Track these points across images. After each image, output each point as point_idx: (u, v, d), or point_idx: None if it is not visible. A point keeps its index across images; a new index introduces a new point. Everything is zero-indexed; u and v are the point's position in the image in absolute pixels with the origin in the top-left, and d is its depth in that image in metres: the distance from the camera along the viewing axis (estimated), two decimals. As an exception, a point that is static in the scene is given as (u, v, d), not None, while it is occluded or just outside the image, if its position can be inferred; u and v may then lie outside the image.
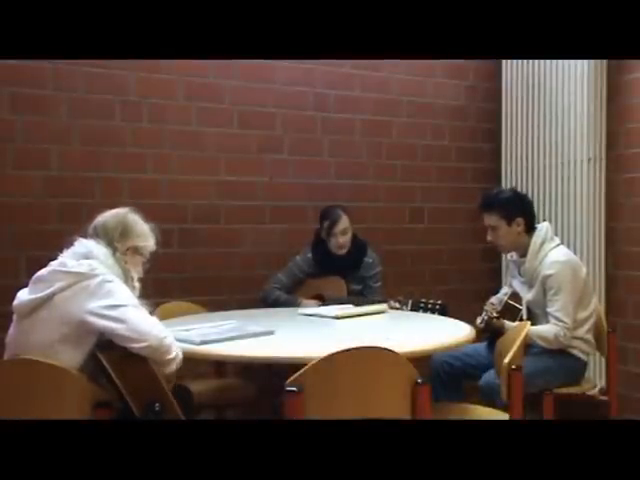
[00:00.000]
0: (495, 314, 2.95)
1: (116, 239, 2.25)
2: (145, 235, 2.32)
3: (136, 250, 2.29)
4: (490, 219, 3.06)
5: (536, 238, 3.02)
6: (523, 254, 3.07)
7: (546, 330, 2.91)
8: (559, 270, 2.92)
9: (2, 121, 3.34)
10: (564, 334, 2.89)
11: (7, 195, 3.35)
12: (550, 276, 2.92)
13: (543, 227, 3.07)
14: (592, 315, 3.04)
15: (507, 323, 2.95)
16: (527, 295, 3.06)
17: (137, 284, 2.28)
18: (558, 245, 3.04)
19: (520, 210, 3.05)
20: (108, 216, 2.31)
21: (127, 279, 2.23)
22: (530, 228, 3.06)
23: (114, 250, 2.23)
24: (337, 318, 2.96)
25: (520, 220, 3.03)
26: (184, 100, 3.72)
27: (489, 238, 3.11)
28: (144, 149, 3.64)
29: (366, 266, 3.59)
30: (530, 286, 3.05)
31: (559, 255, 2.98)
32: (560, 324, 2.89)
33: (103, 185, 3.54)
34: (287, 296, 3.53)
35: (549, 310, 2.93)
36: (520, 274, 3.12)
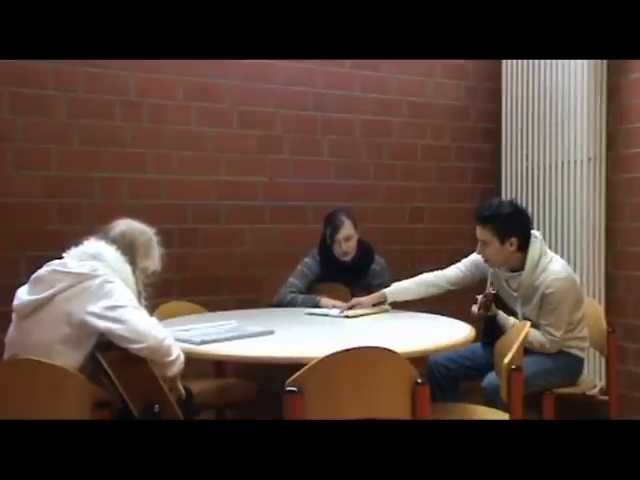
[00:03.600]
0: (492, 292, 2.96)
1: (139, 256, 2.27)
2: (158, 260, 2.35)
3: (145, 271, 2.31)
4: (483, 234, 2.94)
5: (532, 253, 2.92)
6: (514, 269, 2.98)
7: (533, 335, 2.86)
8: (560, 287, 2.87)
9: (2, 121, 3.34)
10: (550, 346, 2.89)
11: (7, 195, 3.35)
12: (552, 294, 2.86)
13: (537, 240, 2.96)
14: (585, 313, 3.03)
15: (501, 313, 2.96)
16: (524, 310, 3.00)
17: (143, 301, 2.29)
18: (552, 258, 2.96)
19: (516, 230, 2.91)
20: (138, 231, 2.31)
21: (140, 297, 2.24)
22: (523, 246, 2.94)
23: (134, 265, 2.24)
24: (348, 318, 3.00)
25: (514, 240, 2.90)
26: (184, 100, 3.72)
27: (477, 252, 3.01)
28: (144, 149, 3.64)
29: (373, 274, 3.49)
30: (525, 300, 2.98)
31: (558, 271, 2.90)
32: (548, 337, 2.88)
33: (103, 185, 3.54)
34: (303, 296, 3.39)
35: (542, 322, 2.90)
36: (510, 287, 3.03)
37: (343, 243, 3.40)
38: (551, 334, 2.88)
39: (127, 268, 2.21)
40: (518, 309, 3.02)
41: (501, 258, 2.95)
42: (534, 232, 3.00)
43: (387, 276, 3.53)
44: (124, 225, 2.30)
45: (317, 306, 3.27)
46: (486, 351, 2.98)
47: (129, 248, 2.24)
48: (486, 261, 3.02)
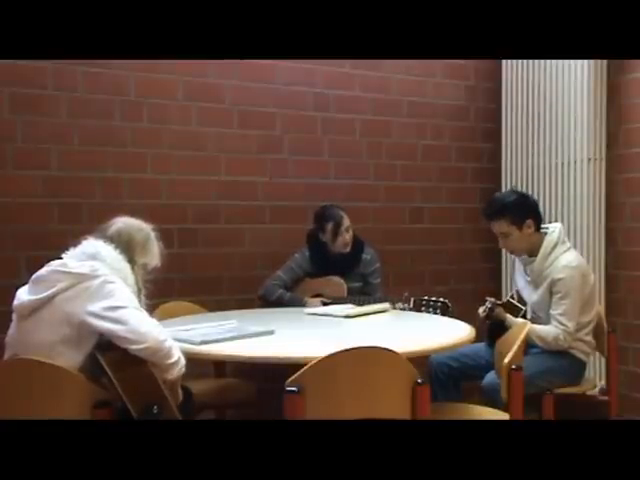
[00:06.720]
0: (498, 302, 3.00)
1: (138, 253, 2.27)
2: (157, 256, 2.35)
3: (145, 267, 2.31)
4: (500, 227, 2.99)
5: (549, 240, 2.98)
6: (531, 253, 3.03)
7: (546, 331, 2.90)
8: (569, 275, 2.90)
9: (2, 121, 3.34)
10: (564, 338, 2.88)
11: (7, 195, 3.35)
12: (560, 280, 2.90)
13: (556, 229, 3.02)
14: (593, 319, 3.04)
15: (509, 316, 2.97)
16: (532, 296, 3.04)
17: (143, 298, 2.28)
18: (569, 249, 3.02)
19: (528, 211, 2.99)
20: (134, 228, 2.31)
21: (140, 293, 2.24)
22: (539, 226, 3.02)
23: (132, 263, 2.24)
24: (349, 317, 2.99)
25: (530, 222, 2.98)
26: (184, 100, 3.71)
27: (501, 245, 3.08)
28: (144, 149, 3.63)
29: (365, 263, 3.60)
30: (535, 286, 3.03)
31: (571, 260, 2.95)
32: (561, 327, 2.88)
33: (103, 185, 3.54)
34: (291, 294, 3.52)
35: (552, 312, 2.92)
36: (526, 272, 3.10)
37: (346, 234, 3.54)
38: (563, 324, 2.88)
39: (126, 267, 2.20)
40: (528, 297, 3.05)
41: (525, 245, 3.03)
42: (556, 224, 3.09)
43: (378, 263, 3.65)
44: (121, 223, 2.30)
45: (305, 307, 3.34)
46: (489, 351, 2.98)
47: (127, 246, 2.24)
48: (512, 253, 3.15)
